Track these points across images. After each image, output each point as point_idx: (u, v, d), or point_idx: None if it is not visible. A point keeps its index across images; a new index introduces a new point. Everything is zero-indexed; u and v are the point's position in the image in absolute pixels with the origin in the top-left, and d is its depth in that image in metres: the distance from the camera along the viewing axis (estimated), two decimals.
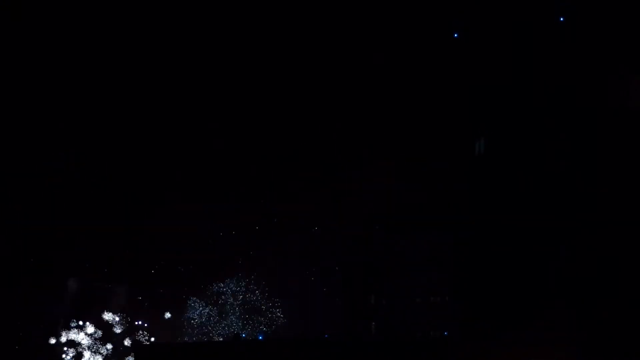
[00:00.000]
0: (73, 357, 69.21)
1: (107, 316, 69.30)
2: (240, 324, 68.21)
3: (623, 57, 58.47)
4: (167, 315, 69.45)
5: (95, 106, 69.40)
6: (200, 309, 69.11)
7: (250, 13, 67.17)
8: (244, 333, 65.13)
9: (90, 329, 69.17)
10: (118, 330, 69.49)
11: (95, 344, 69.19)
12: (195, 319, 69.20)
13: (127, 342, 68.72)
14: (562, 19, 58.38)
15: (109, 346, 69.20)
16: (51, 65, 68.72)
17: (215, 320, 68.89)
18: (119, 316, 69.50)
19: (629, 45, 58.37)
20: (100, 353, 69.35)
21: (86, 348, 69.13)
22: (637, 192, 57.48)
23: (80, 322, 68.99)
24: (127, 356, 67.90)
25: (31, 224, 68.08)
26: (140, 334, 68.81)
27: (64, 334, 69.02)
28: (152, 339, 68.10)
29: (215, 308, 69.07)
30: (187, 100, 69.07)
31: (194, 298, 69.37)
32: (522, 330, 56.08)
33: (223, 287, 69.09)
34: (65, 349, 69.15)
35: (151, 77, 69.10)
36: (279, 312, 68.33)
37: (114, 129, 69.55)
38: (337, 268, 65.69)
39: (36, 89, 68.81)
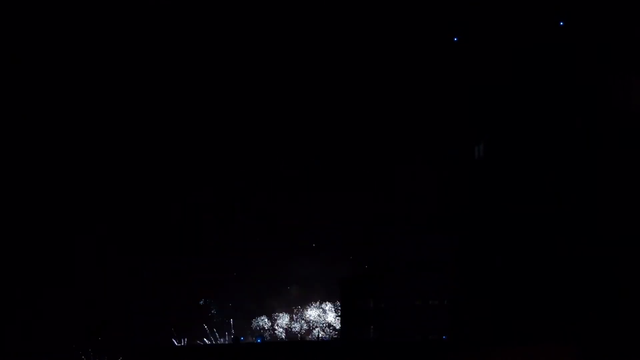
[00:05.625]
0: None
1: None
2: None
3: (623, 57, 58.39)
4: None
5: (95, 106, 69.59)
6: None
7: (250, 13, 67.24)
8: (243, 336, 65.36)
9: None
10: None
11: None
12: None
13: None
14: (562, 23, 58.30)
15: None
16: (51, 65, 68.87)
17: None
18: None
19: (629, 45, 58.28)
20: None
21: None
22: (637, 192, 57.41)
23: None
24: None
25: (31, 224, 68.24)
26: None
27: None
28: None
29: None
30: (187, 100, 69.24)
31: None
32: (522, 333, 56.11)
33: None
34: None
35: (151, 78, 69.25)
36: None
37: (114, 129, 69.75)
38: (337, 270, 65.79)
39: (36, 89, 68.98)
